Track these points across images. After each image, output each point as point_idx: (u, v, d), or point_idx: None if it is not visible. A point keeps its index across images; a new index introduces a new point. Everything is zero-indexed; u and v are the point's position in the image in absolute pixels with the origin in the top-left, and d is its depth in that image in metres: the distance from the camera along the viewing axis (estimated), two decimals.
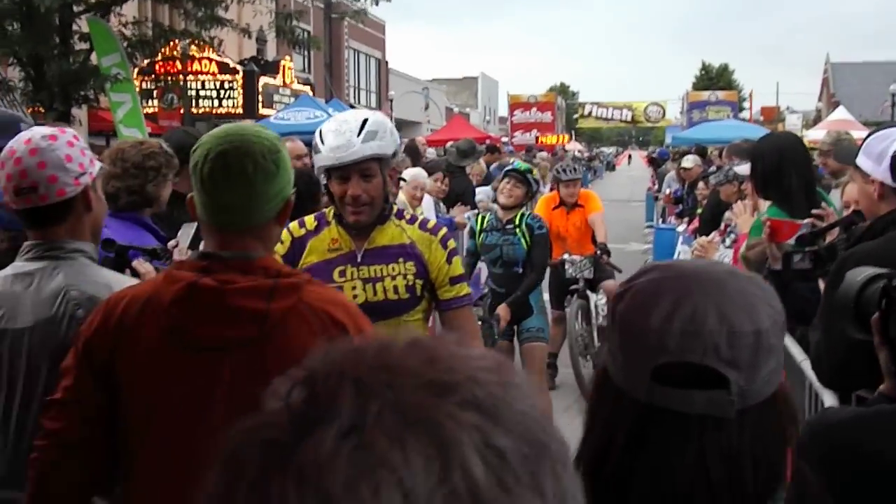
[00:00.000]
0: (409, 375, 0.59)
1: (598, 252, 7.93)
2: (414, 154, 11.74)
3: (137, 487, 2.03)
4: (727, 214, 7.34)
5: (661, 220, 15.84)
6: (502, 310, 6.20)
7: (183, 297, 1.96)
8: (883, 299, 1.58)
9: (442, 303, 3.25)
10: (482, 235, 6.60)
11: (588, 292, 8.08)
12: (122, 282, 2.50)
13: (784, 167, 4.52)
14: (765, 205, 4.92)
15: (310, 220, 3.31)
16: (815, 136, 24.57)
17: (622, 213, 22.69)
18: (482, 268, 7.32)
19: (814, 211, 3.81)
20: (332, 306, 2.02)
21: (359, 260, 3.18)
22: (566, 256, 7.93)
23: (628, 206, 27.04)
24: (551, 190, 9.16)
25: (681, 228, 11.13)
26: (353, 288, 3.15)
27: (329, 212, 3.29)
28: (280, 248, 3.16)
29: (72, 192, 2.44)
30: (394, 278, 3.16)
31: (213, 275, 1.97)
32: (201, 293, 1.96)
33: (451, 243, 3.30)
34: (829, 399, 3.12)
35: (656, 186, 19.13)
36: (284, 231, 3.14)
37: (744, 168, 6.14)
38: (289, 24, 17.70)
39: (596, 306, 7.88)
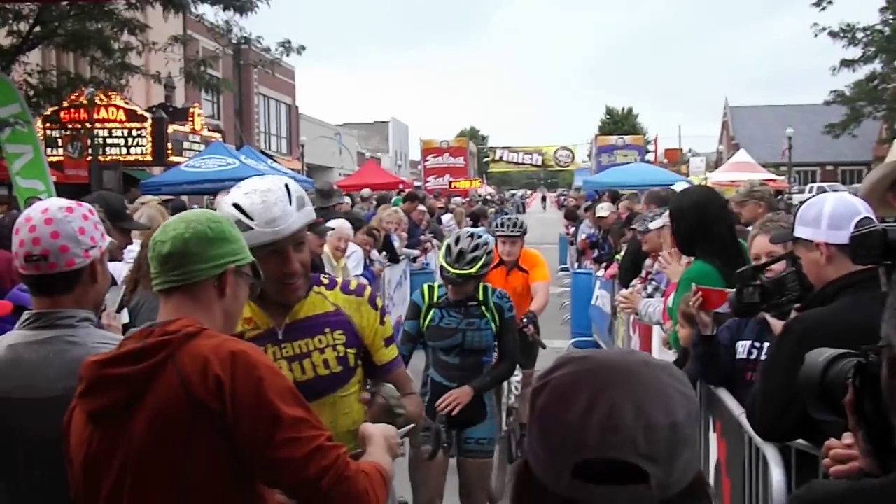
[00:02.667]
0: None
1: (525, 321, 6.60)
2: (326, 196, 11.71)
3: None
4: (647, 262, 7.47)
5: (576, 265, 16.05)
6: (462, 393, 4.91)
7: (81, 374, 2.11)
8: (856, 377, 1.58)
9: (380, 368, 2.98)
10: (432, 314, 5.03)
11: None
12: None
13: (708, 223, 4.61)
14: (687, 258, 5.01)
15: None
16: (718, 178, 25.42)
17: None
18: None
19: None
20: (212, 358, 2.03)
21: (280, 337, 2.87)
22: None
23: (540, 249, 27.24)
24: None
25: (599, 273, 11.30)
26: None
27: None
28: None
29: (81, 263, 2.51)
30: (322, 351, 2.87)
31: (119, 348, 2.12)
32: (87, 368, 2.09)
33: (379, 301, 3.05)
34: (770, 454, 3.16)
35: (572, 230, 19.40)
36: None
37: (657, 223, 6.27)
38: (200, 70, 17.55)
39: (509, 383, 6.38)
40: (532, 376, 7.09)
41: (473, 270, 4.93)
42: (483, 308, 5.03)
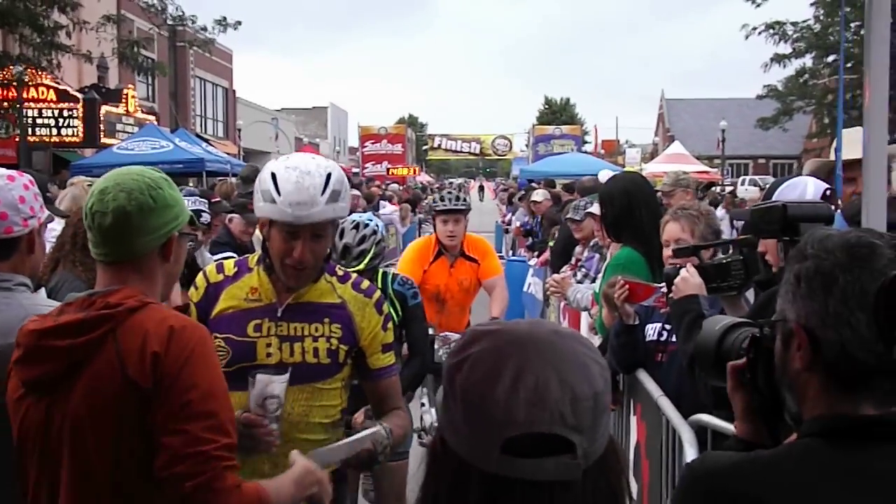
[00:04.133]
0: None
1: None
2: (249, 181, 11.50)
3: None
4: (577, 249, 7.57)
5: (511, 252, 16.15)
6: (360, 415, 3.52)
7: (18, 341, 2.07)
8: (751, 349, 1.64)
9: (373, 372, 2.93)
10: None
11: None
12: None
13: (634, 207, 4.69)
14: (616, 246, 5.08)
15: (229, 265, 2.97)
16: (653, 168, 25.77)
17: None
18: None
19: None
20: (151, 335, 2.00)
21: (279, 315, 2.83)
22: (437, 333, 5.42)
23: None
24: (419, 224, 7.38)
25: (532, 262, 11.39)
26: (268, 345, 2.80)
27: (253, 258, 2.96)
28: (194, 295, 2.91)
29: (19, 231, 2.54)
30: (315, 339, 2.82)
31: (58, 316, 2.06)
32: (25, 336, 2.05)
33: (386, 307, 3.00)
34: (686, 434, 3.24)
35: (508, 217, 19.54)
36: (200, 276, 2.95)
37: (596, 208, 6.31)
38: (134, 50, 17.22)
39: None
40: None
41: (362, 266, 4.51)
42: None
